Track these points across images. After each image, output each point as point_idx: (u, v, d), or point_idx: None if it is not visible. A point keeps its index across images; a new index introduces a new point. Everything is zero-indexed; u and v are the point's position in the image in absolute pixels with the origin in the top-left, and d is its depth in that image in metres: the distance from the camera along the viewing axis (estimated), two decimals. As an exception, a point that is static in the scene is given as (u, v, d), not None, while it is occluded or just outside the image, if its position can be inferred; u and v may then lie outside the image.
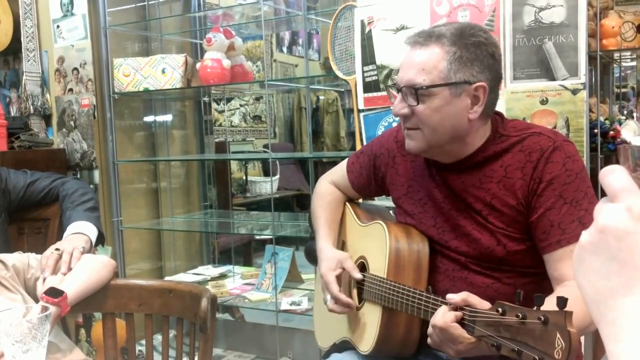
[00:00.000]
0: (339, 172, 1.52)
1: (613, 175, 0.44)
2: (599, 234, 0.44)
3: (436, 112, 1.14)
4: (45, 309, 0.85)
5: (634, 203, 0.43)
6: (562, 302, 0.79)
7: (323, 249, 1.41)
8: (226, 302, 2.55)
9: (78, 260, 1.44)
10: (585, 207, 1.11)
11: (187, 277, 2.74)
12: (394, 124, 1.91)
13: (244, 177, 4.67)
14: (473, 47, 1.13)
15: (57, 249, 1.45)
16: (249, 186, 4.60)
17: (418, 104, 1.14)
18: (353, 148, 2.22)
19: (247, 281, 2.77)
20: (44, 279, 1.38)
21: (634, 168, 0.46)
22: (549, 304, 0.84)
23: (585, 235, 0.46)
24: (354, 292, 1.39)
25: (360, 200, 1.59)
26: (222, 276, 2.84)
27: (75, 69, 2.65)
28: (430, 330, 1.05)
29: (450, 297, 1.01)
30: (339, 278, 1.35)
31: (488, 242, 1.17)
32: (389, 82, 1.94)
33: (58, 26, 2.68)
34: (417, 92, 1.13)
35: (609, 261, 0.43)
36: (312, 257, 1.77)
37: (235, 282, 2.78)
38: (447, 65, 1.12)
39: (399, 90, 1.17)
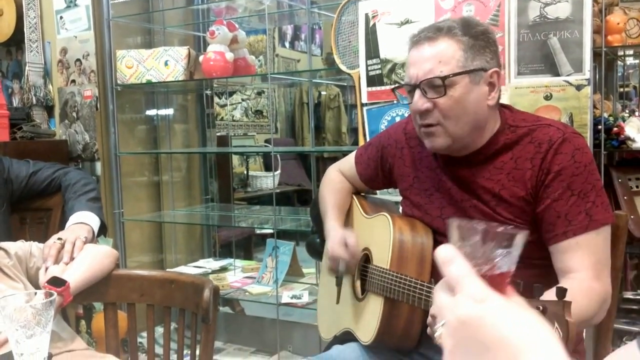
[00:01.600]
0: (347, 163, 1.53)
1: (452, 266, 0.49)
2: (458, 330, 0.48)
3: (459, 103, 1.14)
4: (49, 294, 0.85)
5: (473, 289, 0.48)
6: (561, 292, 0.79)
7: (331, 229, 1.42)
8: (227, 295, 2.55)
9: (80, 250, 1.43)
10: (592, 200, 1.11)
11: (188, 270, 2.75)
12: (397, 119, 1.91)
13: (245, 172, 4.66)
14: (481, 35, 1.16)
15: (59, 239, 1.45)
16: (250, 181, 4.59)
17: (443, 94, 1.13)
18: (355, 144, 2.22)
19: (247, 274, 2.77)
20: (46, 268, 1.38)
21: (461, 239, 0.52)
22: (551, 295, 0.84)
23: (447, 341, 0.49)
24: (357, 283, 1.39)
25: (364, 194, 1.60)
26: (223, 269, 2.85)
27: (78, 60, 2.64)
28: (429, 319, 1.06)
29: None
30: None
31: None
32: (398, 77, 1.93)
33: (61, 17, 2.67)
34: (444, 82, 1.13)
35: (478, 349, 0.46)
36: (314, 251, 1.77)
37: (236, 276, 2.78)
38: (464, 54, 1.14)
39: (416, 87, 1.17)
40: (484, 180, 1.19)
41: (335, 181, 1.53)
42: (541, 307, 0.80)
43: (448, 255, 0.50)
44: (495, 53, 1.18)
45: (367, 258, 1.37)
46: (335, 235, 1.39)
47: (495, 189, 1.18)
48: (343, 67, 2.09)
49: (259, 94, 5.53)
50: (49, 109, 2.77)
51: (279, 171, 4.19)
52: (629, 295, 1.84)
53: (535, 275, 1.17)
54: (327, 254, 1.40)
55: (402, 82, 1.22)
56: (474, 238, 0.50)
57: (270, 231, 2.66)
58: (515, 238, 0.51)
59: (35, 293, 0.93)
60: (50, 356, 0.90)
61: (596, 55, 1.74)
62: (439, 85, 1.14)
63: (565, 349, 0.78)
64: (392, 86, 1.94)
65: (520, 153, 1.17)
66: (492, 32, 1.20)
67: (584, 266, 1.10)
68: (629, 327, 1.73)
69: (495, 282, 0.50)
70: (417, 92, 1.17)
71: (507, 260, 0.50)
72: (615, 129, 1.77)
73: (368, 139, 1.92)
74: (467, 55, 1.14)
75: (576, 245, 1.10)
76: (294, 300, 2.39)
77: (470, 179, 1.21)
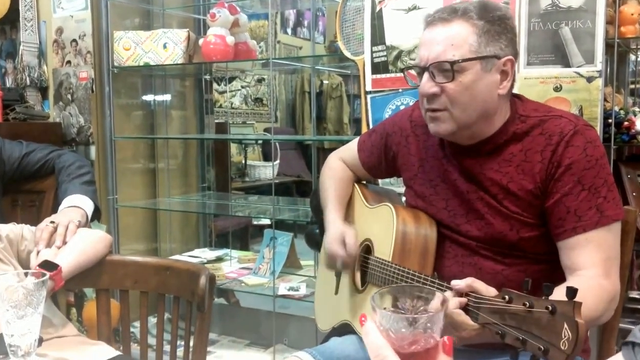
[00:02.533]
0: (349, 150, 1.49)
1: (368, 338, 0.58)
2: None
3: (467, 90, 1.10)
4: (41, 274, 0.81)
5: (388, 357, 0.57)
6: (571, 292, 0.76)
7: (331, 222, 1.39)
8: (222, 286, 2.51)
9: (73, 234, 1.40)
10: (603, 195, 1.08)
11: (183, 259, 2.70)
12: (402, 107, 1.87)
13: (243, 161, 4.61)
14: (499, 20, 1.12)
15: (52, 222, 1.41)
16: (248, 170, 4.54)
17: (452, 79, 1.10)
18: (357, 134, 2.17)
19: (244, 265, 2.74)
20: (38, 252, 1.34)
21: (388, 324, 0.58)
22: (559, 293, 0.80)
23: None
24: (357, 275, 1.35)
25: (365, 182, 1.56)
26: (219, 259, 2.81)
27: (74, 40, 2.58)
28: None
29: (455, 282, 0.98)
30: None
31: (501, 227, 1.14)
32: (404, 64, 1.89)
33: (58, -4, 2.61)
34: (452, 67, 1.09)
35: None
36: (313, 242, 1.73)
37: (232, 266, 2.74)
38: (477, 39, 1.10)
39: (424, 69, 1.13)
40: (492, 172, 1.16)
41: (337, 169, 1.49)
42: (550, 307, 0.78)
43: (366, 330, 0.57)
44: (511, 40, 1.14)
45: (368, 249, 1.33)
46: (334, 231, 1.35)
47: (503, 182, 1.14)
48: (347, 54, 2.05)
49: (259, 81, 5.46)
50: (43, 90, 2.72)
51: (278, 161, 4.15)
52: (634, 294, 1.80)
53: (541, 271, 1.14)
54: (325, 248, 1.37)
55: (412, 64, 1.18)
56: (401, 323, 0.56)
57: (268, 222, 2.61)
58: (436, 318, 0.57)
59: (26, 274, 0.89)
60: (40, 340, 0.87)
61: (608, 46, 1.70)
62: (447, 70, 1.10)
63: (575, 350, 0.75)
64: (398, 74, 1.91)
65: (530, 145, 1.14)
66: (510, 17, 1.15)
67: (593, 263, 1.07)
68: (633, 326, 1.69)
69: (424, 358, 0.57)
70: (426, 75, 1.13)
71: (431, 337, 0.56)
72: (626, 123, 1.73)
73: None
74: (480, 41, 1.10)
75: (585, 241, 1.08)
76: (291, 292, 2.35)
77: (477, 171, 1.18)
